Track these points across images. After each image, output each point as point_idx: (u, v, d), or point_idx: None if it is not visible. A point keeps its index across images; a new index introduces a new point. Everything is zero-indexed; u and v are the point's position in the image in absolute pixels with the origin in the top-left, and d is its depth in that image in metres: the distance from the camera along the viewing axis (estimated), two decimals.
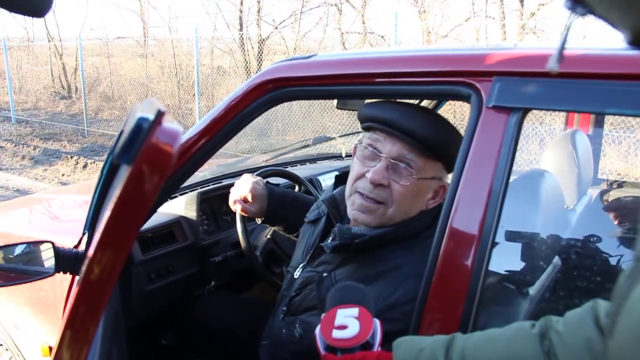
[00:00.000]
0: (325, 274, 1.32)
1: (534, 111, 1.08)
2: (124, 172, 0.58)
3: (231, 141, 1.45)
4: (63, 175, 8.26)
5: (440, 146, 1.23)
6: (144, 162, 0.55)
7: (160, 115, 0.56)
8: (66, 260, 1.32)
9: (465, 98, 1.09)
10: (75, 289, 1.00)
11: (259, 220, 1.76)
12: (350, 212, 1.31)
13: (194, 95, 9.93)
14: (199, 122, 1.40)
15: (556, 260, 1.39)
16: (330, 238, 1.37)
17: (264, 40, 11.55)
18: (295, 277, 1.43)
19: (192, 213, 1.99)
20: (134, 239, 0.60)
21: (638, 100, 0.94)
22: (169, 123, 0.58)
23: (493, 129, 1.03)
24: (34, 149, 9.91)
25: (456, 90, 1.11)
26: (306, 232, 1.52)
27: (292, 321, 1.36)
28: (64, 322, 0.72)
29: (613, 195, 2.10)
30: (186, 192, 2.09)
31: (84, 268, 0.65)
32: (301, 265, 1.44)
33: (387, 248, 1.26)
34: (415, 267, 1.16)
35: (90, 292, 0.63)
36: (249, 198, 1.69)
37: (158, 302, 1.90)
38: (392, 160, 1.24)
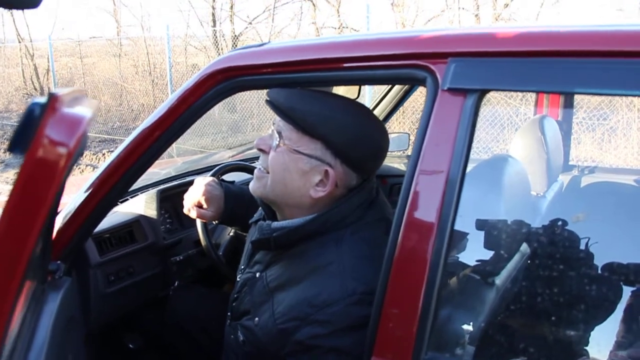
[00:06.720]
0: (257, 275, 1.28)
1: (493, 93, 1.04)
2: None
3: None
4: None
5: (301, 116, 1.18)
6: (37, 153, 0.48)
7: (53, 100, 0.50)
8: None
9: (421, 81, 1.05)
10: None
11: (215, 222, 1.69)
12: None
13: (168, 94, 9.81)
14: (151, 116, 1.33)
15: (524, 248, 1.36)
16: None
17: (237, 36, 11.43)
18: (238, 279, 1.39)
19: (152, 212, 1.92)
20: (31, 244, 0.54)
21: (599, 78, 0.90)
22: (68, 108, 0.52)
23: (449, 113, 0.99)
24: (5, 153, 9.71)
25: (412, 73, 1.06)
26: (251, 234, 1.47)
27: (235, 326, 1.32)
28: None
29: (585, 181, 2.09)
30: (147, 190, 2.02)
31: None
32: (242, 267, 1.40)
33: (313, 242, 1.19)
34: (342, 265, 1.12)
35: None
36: (203, 202, 1.60)
37: (120, 305, 1.83)
38: (273, 130, 1.25)
